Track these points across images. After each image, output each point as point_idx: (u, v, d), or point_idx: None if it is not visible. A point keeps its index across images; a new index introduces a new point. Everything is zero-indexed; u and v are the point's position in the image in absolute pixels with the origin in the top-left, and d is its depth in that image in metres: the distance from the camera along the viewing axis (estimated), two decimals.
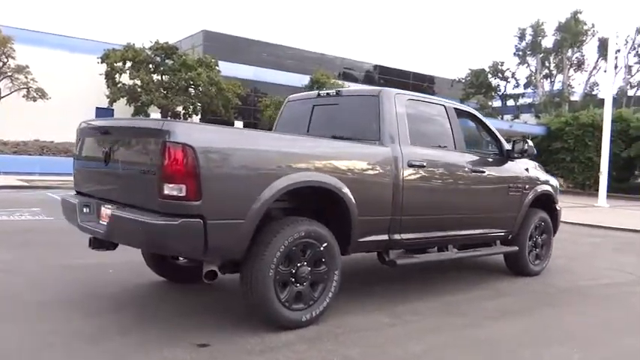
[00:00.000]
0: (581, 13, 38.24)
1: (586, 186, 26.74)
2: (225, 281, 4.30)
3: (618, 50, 37.87)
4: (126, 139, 3.69)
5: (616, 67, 38.65)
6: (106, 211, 3.80)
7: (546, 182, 6.27)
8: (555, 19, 39.16)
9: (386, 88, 4.76)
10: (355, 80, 39.37)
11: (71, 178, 4.54)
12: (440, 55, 74.00)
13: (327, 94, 5.15)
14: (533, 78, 40.58)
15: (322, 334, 3.74)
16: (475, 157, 5.31)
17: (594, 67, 39.57)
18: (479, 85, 40.72)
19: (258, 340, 3.56)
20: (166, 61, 26.30)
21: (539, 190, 6.06)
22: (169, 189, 3.20)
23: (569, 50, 39.36)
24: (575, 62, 40.09)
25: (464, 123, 5.73)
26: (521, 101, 41.87)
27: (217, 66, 27.12)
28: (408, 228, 4.55)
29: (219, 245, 3.38)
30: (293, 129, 5.21)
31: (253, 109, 33.59)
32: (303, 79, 33.54)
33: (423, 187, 4.65)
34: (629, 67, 39.01)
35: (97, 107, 27.27)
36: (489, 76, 40.88)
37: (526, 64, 40.66)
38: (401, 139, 4.52)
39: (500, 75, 41.08)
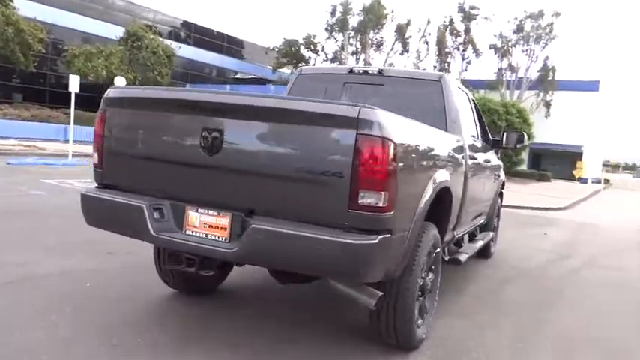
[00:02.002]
0: None
1: None
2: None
3: (410, 36, 42.57)
4: (270, 123, 2.65)
5: (408, 51, 43.51)
6: (206, 218, 2.77)
7: (502, 168, 6.68)
8: (362, 0, 41.30)
9: (445, 74, 4.43)
10: (160, 35, 36.47)
11: None
12: (256, 21, 72.63)
13: (365, 71, 4.56)
14: (339, 54, 42.93)
15: (449, 351, 3.39)
16: (485, 146, 5.34)
17: (391, 49, 43.56)
18: (292, 55, 41.53)
19: None
20: None
21: (502, 177, 6.43)
22: (366, 197, 2.45)
23: (372, 31, 42.57)
24: (375, 43, 43.58)
25: None
26: None
27: (13, 2, 22.28)
28: (460, 224, 4.38)
29: (395, 263, 2.75)
30: None
31: (52, 58, 28.69)
32: (115, 30, 29.83)
33: (473, 180, 4.49)
34: (419, 53, 44.00)
35: None
36: (302, 47, 41.94)
37: (335, 40, 42.79)
38: (463, 130, 4.27)
39: (312, 47, 42.45)
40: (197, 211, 2.81)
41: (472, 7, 38.68)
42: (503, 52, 37.91)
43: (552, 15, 36.77)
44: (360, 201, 2.45)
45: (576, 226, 11.00)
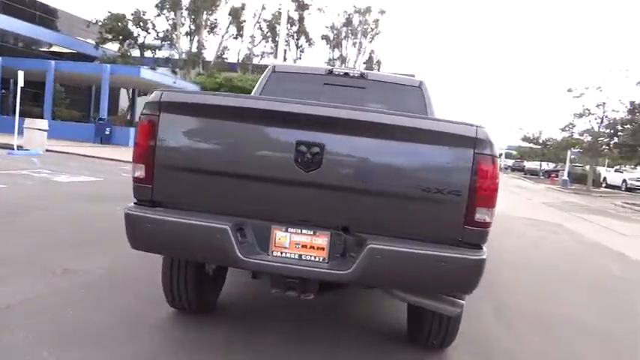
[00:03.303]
0: None
1: None
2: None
3: (244, 21, 42.34)
4: (381, 139, 2.52)
5: (243, 36, 43.19)
6: (299, 238, 2.60)
7: None
8: None
9: (423, 79, 4.64)
10: None
11: None
12: None
13: (346, 74, 4.56)
14: (172, 34, 40.78)
15: (474, 343, 3.70)
16: None
17: (226, 32, 42.74)
18: (119, 31, 38.22)
19: None
20: None
21: None
22: (480, 213, 2.56)
23: (205, 12, 41.21)
24: (210, 25, 42.30)
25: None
26: (159, 54, 41.61)
27: None
28: None
29: None
30: None
31: None
32: None
33: None
34: (253, 38, 43.96)
35: None
36: (131, 23, 38.84)
37: (166, 18, 40.47)
38: None
39: (141, 24, 39.54)
40: (287, 230, 2.61)
41: None
42: (334, 43, 40.01)
43: (378, 12, 39.95)
44: (476, 217, 2.55)
45: None
